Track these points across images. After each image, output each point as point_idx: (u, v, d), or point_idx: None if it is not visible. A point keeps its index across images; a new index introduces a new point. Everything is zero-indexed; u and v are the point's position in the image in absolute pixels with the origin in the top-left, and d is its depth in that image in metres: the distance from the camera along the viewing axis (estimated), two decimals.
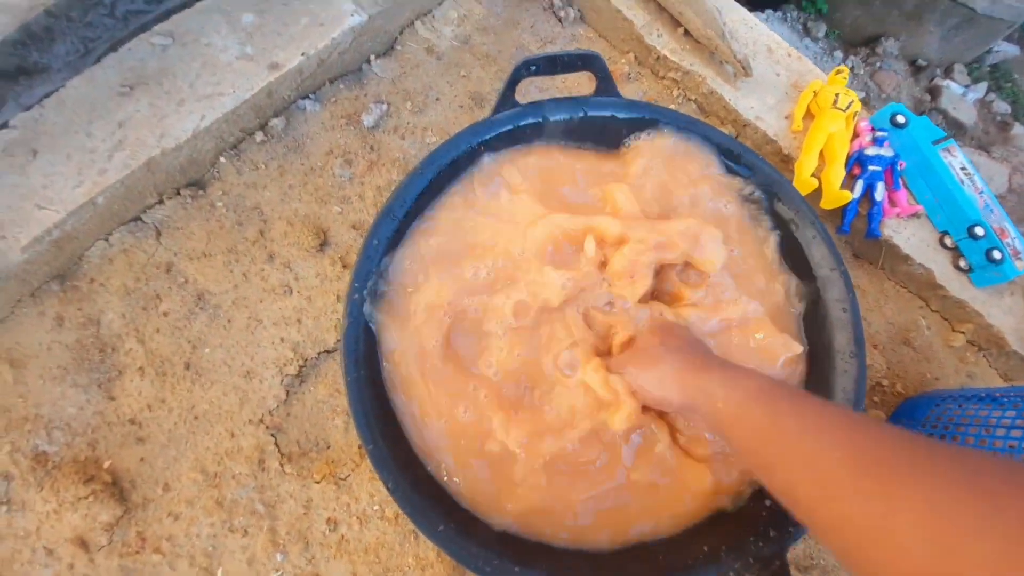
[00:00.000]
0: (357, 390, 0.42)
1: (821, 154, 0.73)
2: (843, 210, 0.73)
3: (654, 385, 0.43)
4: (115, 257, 0.63)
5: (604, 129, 0.56)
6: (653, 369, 0.43)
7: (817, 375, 0.52)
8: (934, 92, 1.43)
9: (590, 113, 0.55)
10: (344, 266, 0.66)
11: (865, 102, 0.81)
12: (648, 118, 0.56)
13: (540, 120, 0.53)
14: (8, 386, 0.57)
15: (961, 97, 1.41)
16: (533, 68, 0.52)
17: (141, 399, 0.59)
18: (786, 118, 0.76)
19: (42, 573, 0.52)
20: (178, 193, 0.66)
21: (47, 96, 0.64)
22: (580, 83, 0.80)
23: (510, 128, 0.52)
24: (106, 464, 0.56)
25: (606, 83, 0.55)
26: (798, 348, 0.52)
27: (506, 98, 0.52)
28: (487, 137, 0.51)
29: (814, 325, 0.54)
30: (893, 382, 0.75)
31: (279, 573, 0.55)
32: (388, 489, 0.41)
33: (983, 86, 1.43)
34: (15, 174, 0.59)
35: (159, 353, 0.60)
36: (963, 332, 0.77)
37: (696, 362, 0.41)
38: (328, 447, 0.60)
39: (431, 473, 0.45)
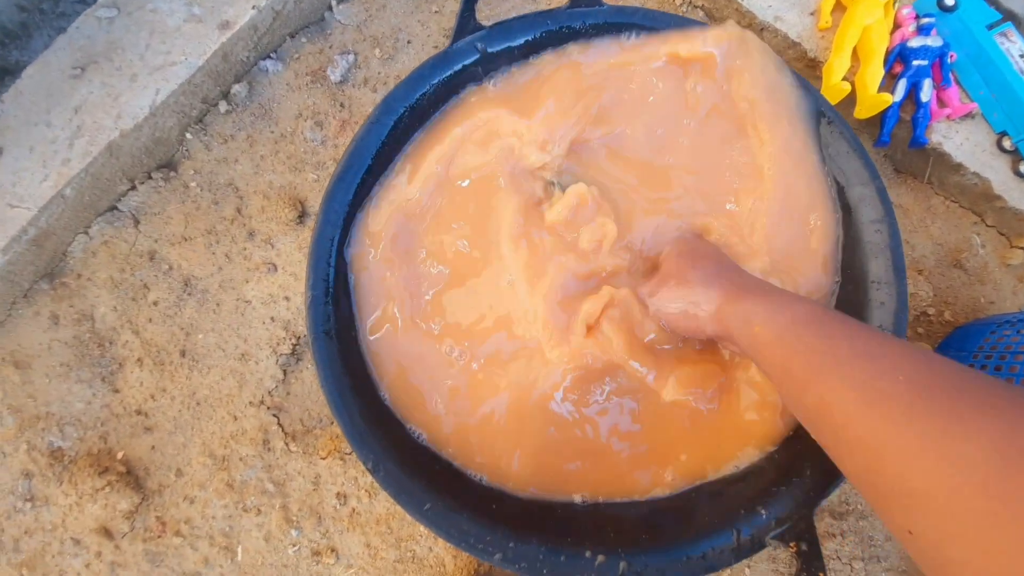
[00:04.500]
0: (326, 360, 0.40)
1: (854, 53, 0.62)
2: (881, 117, 0.63)
3: (686, 313, 0.39)
4: (97, 250, 0.61)
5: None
6: (683, 295, 0.40)
7: (849, 311, 0.46)
8: None
9: (565, 27, 0.47)
10: None
11: None
12: (636, 23, 0.48)
13: (507, 46, 0.46)
14: (17, 387, 0.58)
15: None
16: None
17: (144, 389, 0.59)
18: (811, 14, 0.65)
19: (73, 563, 0.54)
20: (149, 177, 0.63)
21: (5, 90, 0.62)
22: None
23: (471, 60, 0.46)
24: (119, 455, 0.57)
25: None
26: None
27: (465, 21, 0.45)
28: (446, 74, 0.45)
29: (844, 252, 0.47)
30: (941, 310, 0.67)
31: (296, 548, 0.56)
32: (368, 469, 0.39)
33: None
34: None
35: (154, 343, 0.60)
36: (1023, 247, 0.67)
37: (732, 286, 0.37)
38: (331, 423, 0.60)
39: (423, 441, 0.43)
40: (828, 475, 0.39)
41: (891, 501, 0.24)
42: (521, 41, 0.46)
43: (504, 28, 0.46)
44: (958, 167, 0.65)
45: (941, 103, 0.63)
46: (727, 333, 0.36)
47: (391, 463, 0.38)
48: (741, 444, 0.42)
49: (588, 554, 0.38)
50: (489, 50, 0.46)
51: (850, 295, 0.45)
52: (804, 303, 0.33)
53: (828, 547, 0.60)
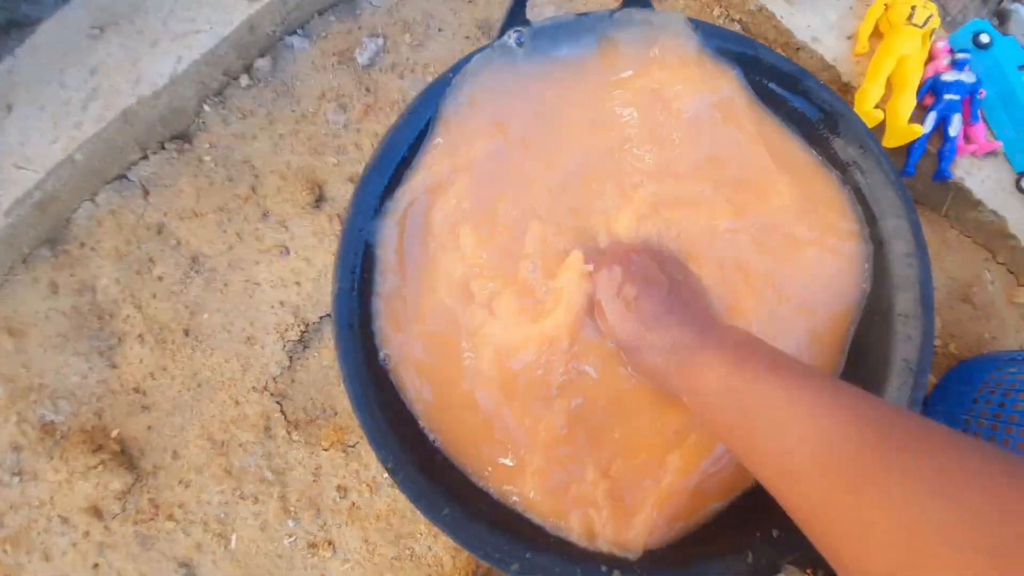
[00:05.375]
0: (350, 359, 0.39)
1: (888, 81, 0.62)
2: (908, 147, 0.64)
3: (629, 353, 0.40)
4: (103, 219, 0.59)
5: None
6: (621, 334, 0.39)
7: (873, 342, 0.46)
8: (1002, 16, 1.23)
9: (611, 34, 0.46)
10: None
11: None
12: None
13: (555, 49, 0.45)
14: (10, 356, 0.56)
15: None
16: None
17: (143, 367, 0.57)
18: (848, 38, 0.65)
19: (59, 541, 0.52)
20: (163, 147, 0.61)
21: (20, 45, 0.59)
22: None
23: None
24: (114, 433, 0.55)
25: None
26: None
27: (515, 16, 0.44)
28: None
29: (872, 284, 0.47)
30: (946, 342, 0.68)
31: (292, 539, 0.55)
32: (388, 470, 0.38)
33: None
34: None
35: (157, 319, 0.58)
36: None
37: (653, 336, 0.38)
38: (336, 414, 0.58)
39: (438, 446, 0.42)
40: None
41: None
42: (567, 47, 0.45)
43: (554, 27, 0.44)
44: (977, 203, 0.65)
45: (967, 139, 0.64)
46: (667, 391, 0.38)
47: (411, 466, 0.37)
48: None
49: (604, 568, 0.38)
50: (539, 51, 0.44)
51: (879, 328, 0.45)
52: (716, 367, 0.33)
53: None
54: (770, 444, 0.29)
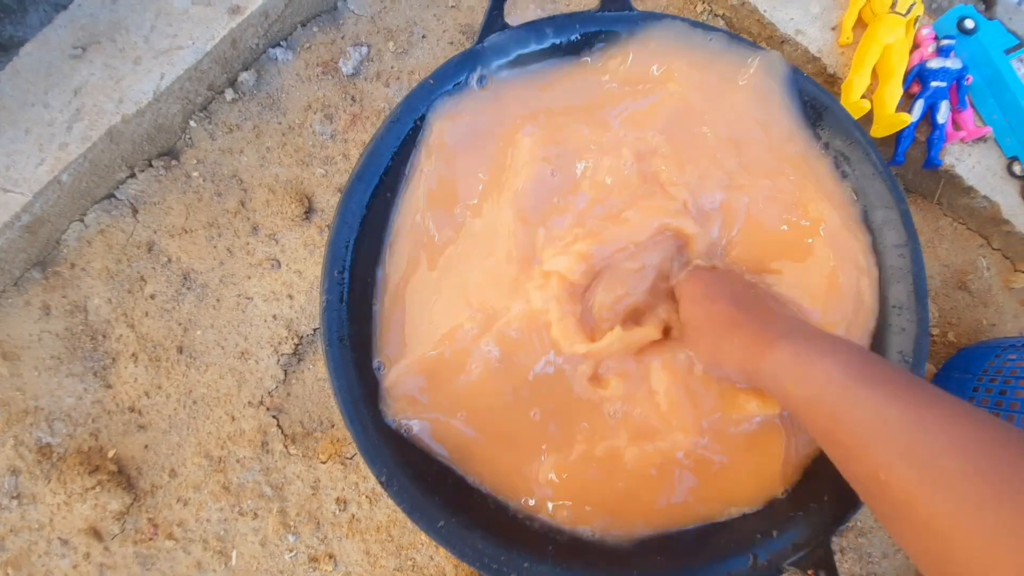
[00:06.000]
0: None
1: (874, 71, 0.62)
2: (897, 136, 0.63)
3: (710, 365, 0.38)
4: (93, 239, 0.59)
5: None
6: (703, 352, 0.38)
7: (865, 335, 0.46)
8: (988, 0, 1.23)
9: (592, 30, 0.46)
10: None
11: None
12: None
13: (534, 47, 0.45)
14: (4, 380, 0.56)
15: (1018, 6, 1.21)
16: None
17: (138, 386, 0.57)
18: (832, 29, 0.65)
19: (60, 564, 0.52)
20: (150, 165, 0.61)
21: (1, 68, 0.59)
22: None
23: (502, 60, 0.44)
24: (110, 453, 0.55)
25: None
26: None
27: (493, 20, 0.44)
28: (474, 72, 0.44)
29: None
30: (944, 331, 0.67)
31: (293, 553, 0.55)
32: (381, 483, 0.38)
33: None
34: None
35: (150, 338, 0.58)
36: None
37: (753, 337, 0.33)
38: (332, 426, 0.58)
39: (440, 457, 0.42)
40: (845, 502, 0.39)
41: None
42: (549, 44, 0.45)
43: (532, 29, 0.44)
44: (969, 190, 0.65)
45: (956, 126, 0.63)
46: (760, 387, 0.34)
47: (404, 478, 0.37)
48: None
49: (603, 574, 0.37)
50: (518, 53, 0.44)
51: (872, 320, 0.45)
52: (839, 353, 0.30)
53: None
54: (913, 445, 0.25)
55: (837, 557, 0.60)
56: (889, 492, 0.26)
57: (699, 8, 0.69)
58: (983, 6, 1.26)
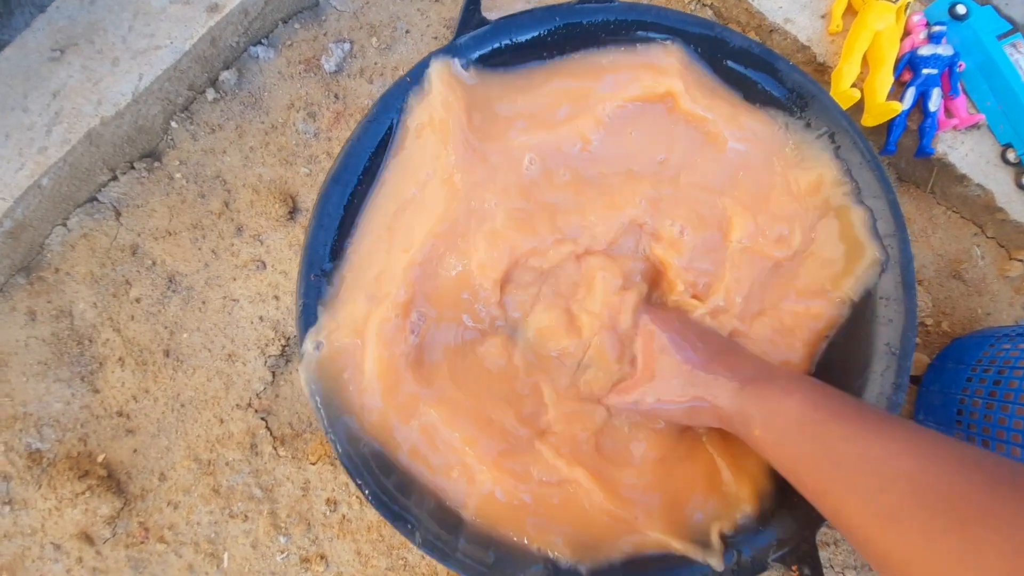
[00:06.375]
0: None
1: (864, 59, 0.61)
2: (888, 125, 0.62)
3: (676, 413, 0.37)
4: (76, 243, 0.59)
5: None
6: (665, 390, 0.37)
7: (854, 327, 0.45)
8: None
9: (572, 22, 0.45)
10: None
11: None
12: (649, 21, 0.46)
13: (509, 41, 0.44)
14: None
15: None
16: None
17: (125, 390, 0.57)
18: (822, 17, 0.64)
19: (54, 568, 0.52)
20: (132, 167, 0.60)
21: None
22: None
23: (477, 55, 0.44)
24: (100, 458, 0.55)
25: None
26: None
27: (470, 16, 0.43)
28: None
29: None
30: (939, 320, 0.67)
31: (284, 555, 0.55)
32: (362, 491, 0.38)
33: None
34: None
35: (137, 341, 0.58)
36: (1021, 259, 0.67)
37: (718, 376, 0.35)
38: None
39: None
40: None
41: None
42: (528, 38, 0.44)
43: (510, 23, 0.43)
44: (962, 178, 0.64)
45: (948, 113, 0.62)
46: (728, 429, 0.35)
47: (386, 486, 0.37)
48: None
49: (584, 570, 0.37)
50: (495, 46, 0.43)
51: (859, 312, 0.44)
52: (796, 394, 0.31)
53: (821, 556, 0.60)
54: (860, 480, 0.26)
55: (831, 549, 0.60)
56: (851, 529, 0.27)
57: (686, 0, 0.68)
58: None
